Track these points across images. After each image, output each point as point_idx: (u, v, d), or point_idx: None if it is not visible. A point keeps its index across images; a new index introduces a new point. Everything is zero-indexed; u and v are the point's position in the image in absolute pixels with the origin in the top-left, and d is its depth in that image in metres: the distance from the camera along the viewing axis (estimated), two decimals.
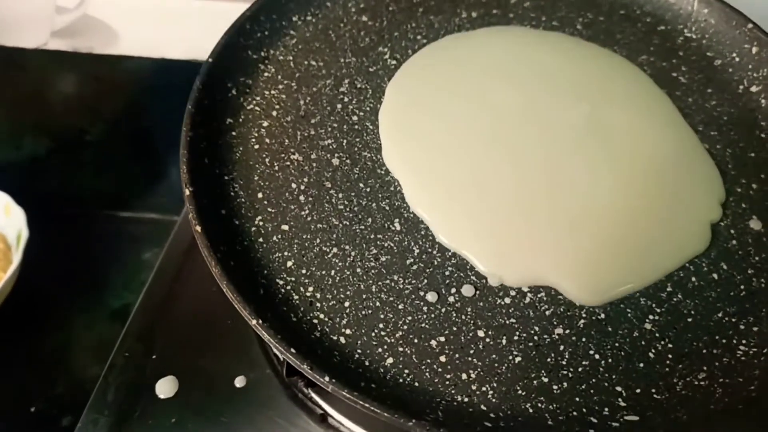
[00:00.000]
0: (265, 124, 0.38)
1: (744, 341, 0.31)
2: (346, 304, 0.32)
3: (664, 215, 0.34)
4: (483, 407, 0.29)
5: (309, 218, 0.34)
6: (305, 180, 0.36)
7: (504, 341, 0.31)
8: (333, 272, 0.33)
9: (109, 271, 0.47)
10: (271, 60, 0.41)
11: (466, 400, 0.29)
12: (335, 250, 0.33)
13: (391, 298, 0.32)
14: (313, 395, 0.38)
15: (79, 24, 0.60)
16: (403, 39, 0.42)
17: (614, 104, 0.38)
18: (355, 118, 0.38)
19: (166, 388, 0.38)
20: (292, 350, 0.28)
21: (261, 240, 0.34)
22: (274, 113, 0.38)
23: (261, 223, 0.34)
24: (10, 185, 0.48)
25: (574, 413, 0.29)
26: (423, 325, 0.31)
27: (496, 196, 0.34)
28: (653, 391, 0.29)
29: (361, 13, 0.44)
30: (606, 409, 0.29)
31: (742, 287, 0.33)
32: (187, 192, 0.33)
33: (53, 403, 0.39)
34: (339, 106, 0.39)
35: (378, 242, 0.34)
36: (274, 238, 0.34)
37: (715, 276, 0.33)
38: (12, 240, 0.46)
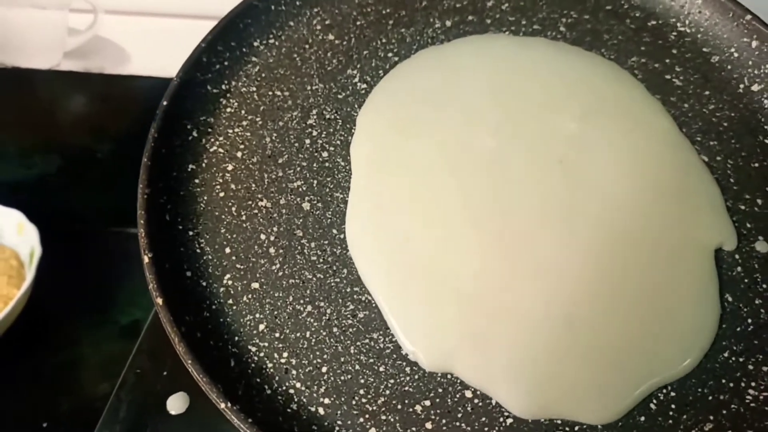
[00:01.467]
0: (230, 167, 0.36)
1: (753, 384, 0.29)
2: (324, 369, 0.30)
3: (670, 288, 0.30)
4: None
5: (280, 273, 0.32)
6: (275, 229, 0.33)
7: (494, 401, 0.29)
8: (308, 334, 0.31)
9: (118, 287, 0.48)
10: (233, 93, 0.38)
11: None
12: (309, 308, 0.31)
13: (371, 360, 0.30)
14: None
15: (91, 45, 0.60)
16: (373, 58, 0.39)
17: (603, 123, 0.35)
18: (325, 154, 0.36)
19: (177, 404, 0.38)
20: None
21: (230, 302, 0.31)
22: (239, 154, 0.36)
23: (230, 282, 0.32)
24: (21, 203, 0.49)
25: None
26: (406, 388, 0.29)
27: (470, 290, 0.30)
28: None
29: (327, 31, 0.41)
30: None
31: (749, 321, 0.30)
32: (146, 259, 0.30)
33: (64, 419, 0.40)
34: (308, 141, 0.36)
35: (355, 296, 0.31)
36: (245, 298, 0.32)
37: (717, 293, 0.31)
38: (25, 257, 0.47)
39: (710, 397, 0.28)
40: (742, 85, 0.38)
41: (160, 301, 0.29)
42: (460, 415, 0.28)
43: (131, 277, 0.48)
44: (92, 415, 0.37)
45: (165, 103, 0.35)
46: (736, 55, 0.38)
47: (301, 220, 0.34)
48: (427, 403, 0.29)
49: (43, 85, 0.61)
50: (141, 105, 0.58)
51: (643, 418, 0.28)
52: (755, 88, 0.37)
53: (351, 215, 0.34)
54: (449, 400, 0.29)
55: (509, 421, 0.28)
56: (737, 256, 0.32)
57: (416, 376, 0.29)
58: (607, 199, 0.33)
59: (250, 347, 0.30)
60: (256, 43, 0.40)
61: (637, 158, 0.34)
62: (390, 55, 0.39)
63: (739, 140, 0.36)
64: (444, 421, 0.28)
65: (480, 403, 0.29)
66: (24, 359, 0.44)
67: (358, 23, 0.41)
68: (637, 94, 0.37)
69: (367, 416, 0.28)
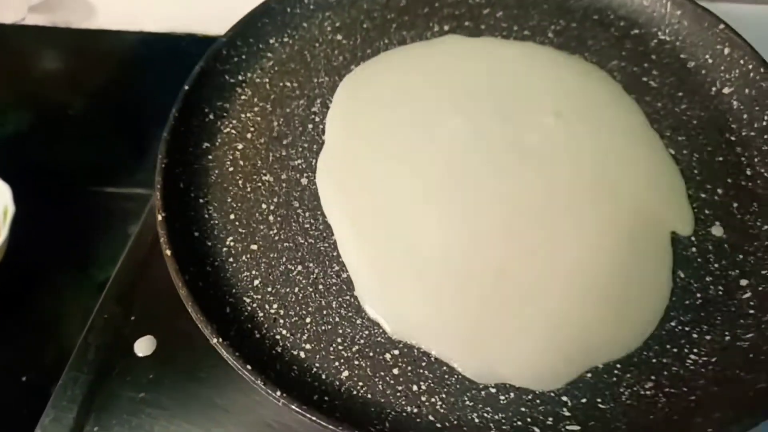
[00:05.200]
0: (240, 146, 0.40)
1: (695, 350, 0.31)
2: (308, 320, 0.33)
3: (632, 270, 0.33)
4: (431, 417, 0.30)
5: (277, 237, 0.36)
6: (275, 200, 0.38)
7: None
8: (297, 289, 0.34)
9: (95, 245, 0.48)
10: (248, 83, 0.43)
11: (415, 410, 0.30)
12: (300, 267, 0.35)
13: (350, 314, 0.33)
14: None
15: None
16: (374, 55, 0.44)
17: (577, 117, 0.39)
18: (325, 136, 0.40)
19: (144, 346, 0.38)
20: (248, 367, 0.30)
21: (231, 260, 0.36)
22: (249, 135, 0.40)
23: (232, 244, 0.36)
24: None
25: (518, 423, 0.30)
26: (379, 338, 0.32)
27: (445, 273, 0.33)
28: (599, 400, 0.30)
29: (336, 32, 0.45)
30: (550, 419, 0.30)
31: (698, 295, 0.33)
32: (160, 217, 0.35)
33: (43, 372, 0.41)
34: (310, 126, 0.41)
35: (340, 258, 0.35)
36: (244, 257, 0.36)
37: (671, 284, 0.33)
38: None
39: (654, 360, 0.31)
40: (714, 88, 0.40)
41: (168, 252, 0.33)
42: (423, 364, 0.32)
43: (108, 235, 0.48)
44: None
45: (186, 87, 0.40)
46: (710, 60, 0.41)
47: (298, 193, 0.38)
48: (396, 352, 0.32)
49: (10, 40, 0.60)
50: (109, 59, 0.58)
51: (589, 375, 0.31)
52: (726, 90, 0.40)
53: (321, 174, 0.38)
54: (415, 351, 0.32)
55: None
56: (693, 238, 0.35)
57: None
58: (573, 184, 0.36)
59: (245, 298, 0.34)
60: (271, 41, 0.45)
61: (607, 149, 0.37)
62: None
63: (707, 136, 0.38)
64: (409, 368, 0.31)
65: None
66: (2, 316, 0.44)
67: (365, 26, 0.45)
68: (613, 92, 0.40)
69: (342, 361, 0.32)
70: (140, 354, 0.37)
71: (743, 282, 0.33)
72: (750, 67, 0.39)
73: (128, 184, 0.50)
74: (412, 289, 0.33)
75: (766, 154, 0.37)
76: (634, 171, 0.37)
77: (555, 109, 0.39)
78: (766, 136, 0.37)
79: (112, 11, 0.60)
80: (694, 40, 0.42)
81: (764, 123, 0.38)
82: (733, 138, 0.38)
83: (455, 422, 0.30)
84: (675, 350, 0.31)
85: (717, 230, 0.35)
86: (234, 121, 0.41)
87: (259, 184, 0.38)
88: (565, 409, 0.30)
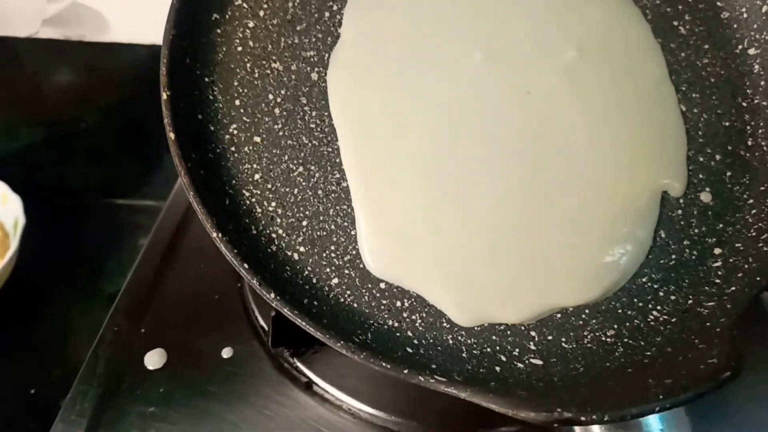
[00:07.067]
0: (251, 24, 0.38)
1: (659, 307, 0.34)
2: (304, 223, 0.34)
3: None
4: (410, 333, 0.32)
5: (281, 133, 0.36)
6: (282, 92, 0.37)
7: None
8: (296, 191, 0.35)
9: (105, 257, 0.49)
10: None
11: (396, 325, 0.33)
12: (301, 169, 0.35)
13: (346, 224, 0.34)
14: (299, 364, 0.39)
15: (70, 12, 0.59)
16: None
17: (598, 57, 0.38)
18: (341, 29, 0.38)
19: (154, 359, 0.39)
20: (245, 265, 0.31)
21: (233, 149, 0.35)
22: (262, 13, 0.38)
23: (235, 132, 0.36)
24: (7, 175, 0.48)
25: (488, 349, 0.32)
26: None
27: (428, 205, 0.34)
28: (563, 340, 0.33)
29: None
30: (516, 350, 0.33)
31: (673, 257, 0.35)
32: (165, 96, 0.34)
33: (51, 385, 0.41)
34: (327, 14, 0.38)
35: (341, 167, 0.35)
36: (246, 148, 0.35)
37: (651, 242, 0.35)
38: (9, 227, 0.47)
39: (620, 311, 0.34)
40: (740, 47, 0.40)
41: (172, 135, 0.33)
42: None
43: (118, 248, 0.50)
44: None
45: None
46: (745, 15, 0.40)
47: (307, 89, 0.37)
48: None
49: (23, 54, 0.59)
50: (122, 73, 0.58)
51: (559, 315, 0.33)
52: (752, 51, 0.39)
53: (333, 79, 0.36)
54: None
55: None
56: (681, 201, 0.36)
57: None
58: (581, 131, 0.36)
59: (244, 192, 0.34)
60: None
61: (622, 98, 0.37)
62: None
63: (720, 98, 0.38)
64: (396, 285, 0.33)
65: None
66: (12, 328, 0.45)
67: None
68: (640, 34, 0.39)
69: (333, 268, 0.33)
70: (150, 367, 0.37)
71: (717, 251, 0.35)
72: None
73: (138, 197, 0.51)
74: (404, 210, 0.34)
75: None
76: (644, 124, 0.37)
77: (579, 43, 0.38)
78: None
79: (124, 25, 0.58)
80: None
81: None
82: (744, 104, 0.38)
83: (431, 341, 0.32)
84: (641, 305, 0.34)
85: (705, 196, 0.36)
86: None
87: (268, 71, 0.37)
88: (531, 343, 0.33)
